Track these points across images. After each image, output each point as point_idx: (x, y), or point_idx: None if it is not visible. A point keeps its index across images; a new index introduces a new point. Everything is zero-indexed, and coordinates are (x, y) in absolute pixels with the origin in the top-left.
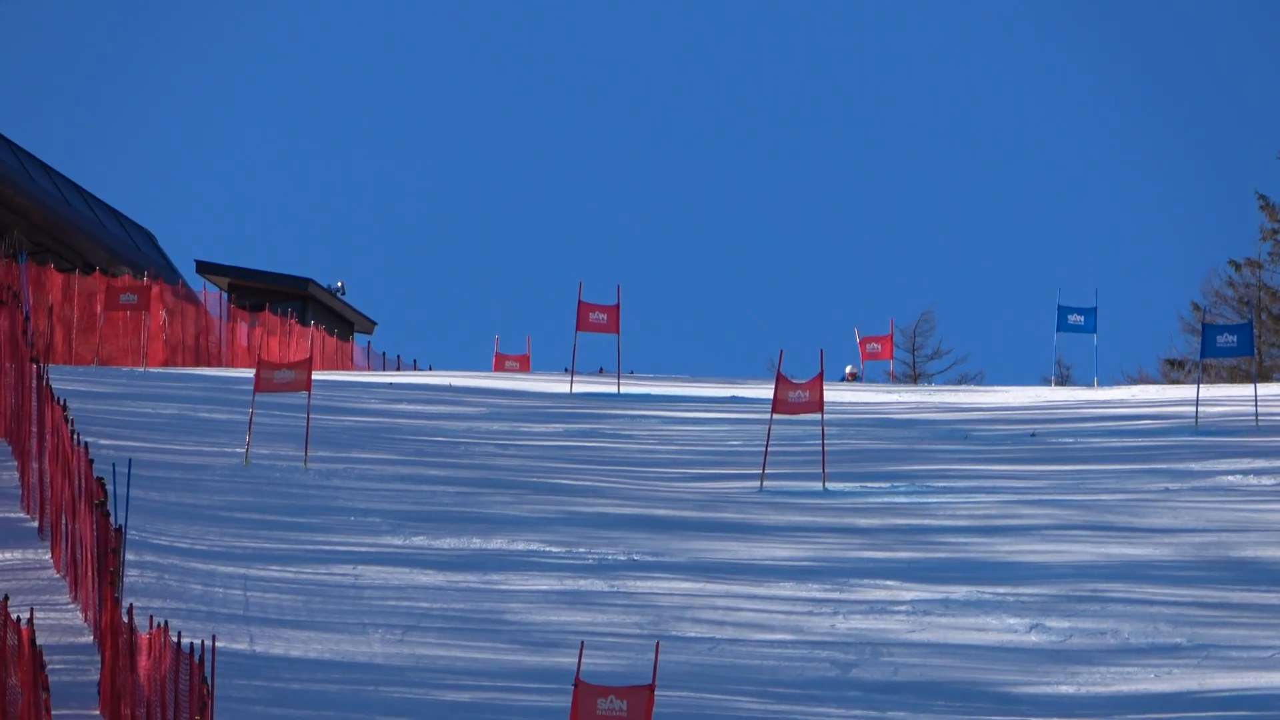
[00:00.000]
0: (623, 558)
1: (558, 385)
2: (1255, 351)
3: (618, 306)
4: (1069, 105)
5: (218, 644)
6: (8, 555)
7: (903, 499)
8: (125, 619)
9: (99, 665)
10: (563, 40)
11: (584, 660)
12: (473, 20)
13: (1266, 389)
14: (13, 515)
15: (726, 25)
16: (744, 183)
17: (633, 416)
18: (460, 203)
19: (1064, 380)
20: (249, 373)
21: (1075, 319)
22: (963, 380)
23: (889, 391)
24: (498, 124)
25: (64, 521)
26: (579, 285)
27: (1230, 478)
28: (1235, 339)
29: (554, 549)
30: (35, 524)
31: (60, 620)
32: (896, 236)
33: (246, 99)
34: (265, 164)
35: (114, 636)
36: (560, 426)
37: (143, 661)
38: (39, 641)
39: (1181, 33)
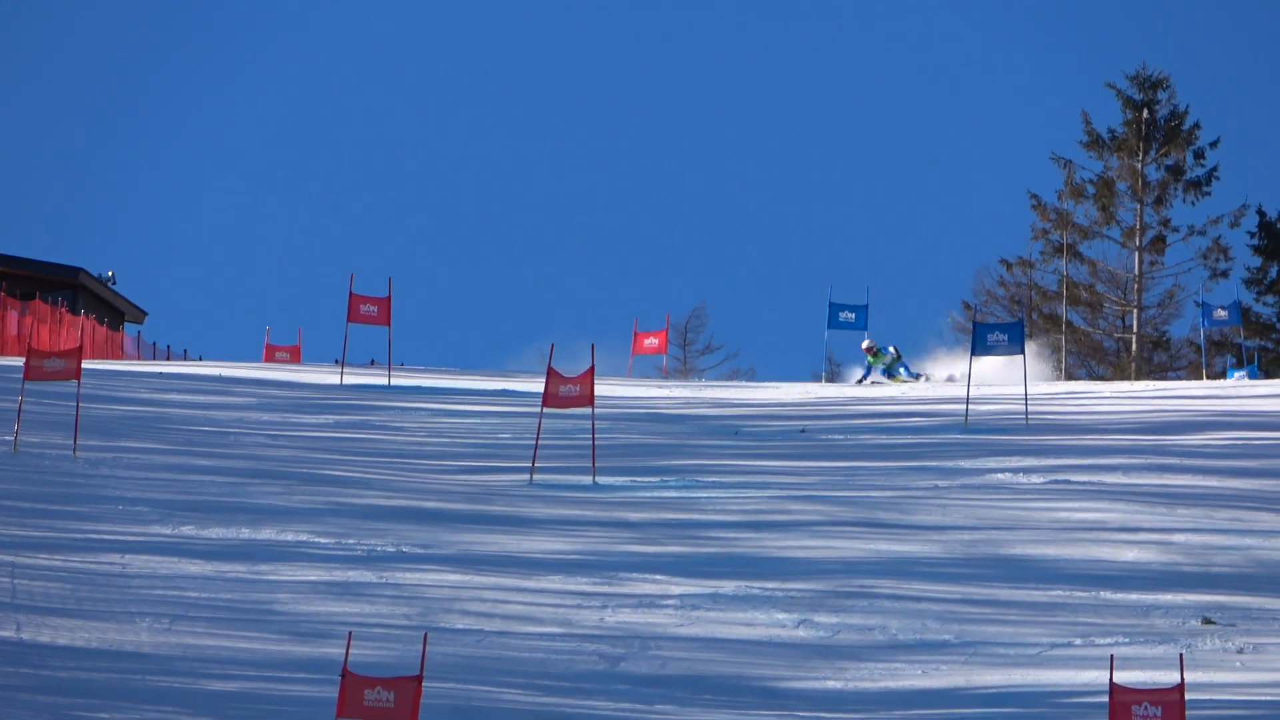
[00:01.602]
0: (391, 549)
1: (328, 377)
2: (1024, 350)
3: (389, 299)
4: (853, 100)
5: None
6: None
7: (672, 493)
8: None
9: None
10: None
11: (352, 651)
12: None
13: (1035, 388)
14: None
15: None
16: (518, 176)
17: (403, 409)
18: (231, 193)
19: (834, 377)
20: (18, 361)
21: (847, 316)
22: (734, 376)
23: (660, 386)
24: (276, 111)
25: None
26: (350, 277)
27: (1000, 476)
28: (1006, 337)
29: (323, 540)
30: None
31: None
32: (670, 231)
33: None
34: (34, 149)
35: None
36: (330, 418)
37: None
38: None
39: (953, 26)
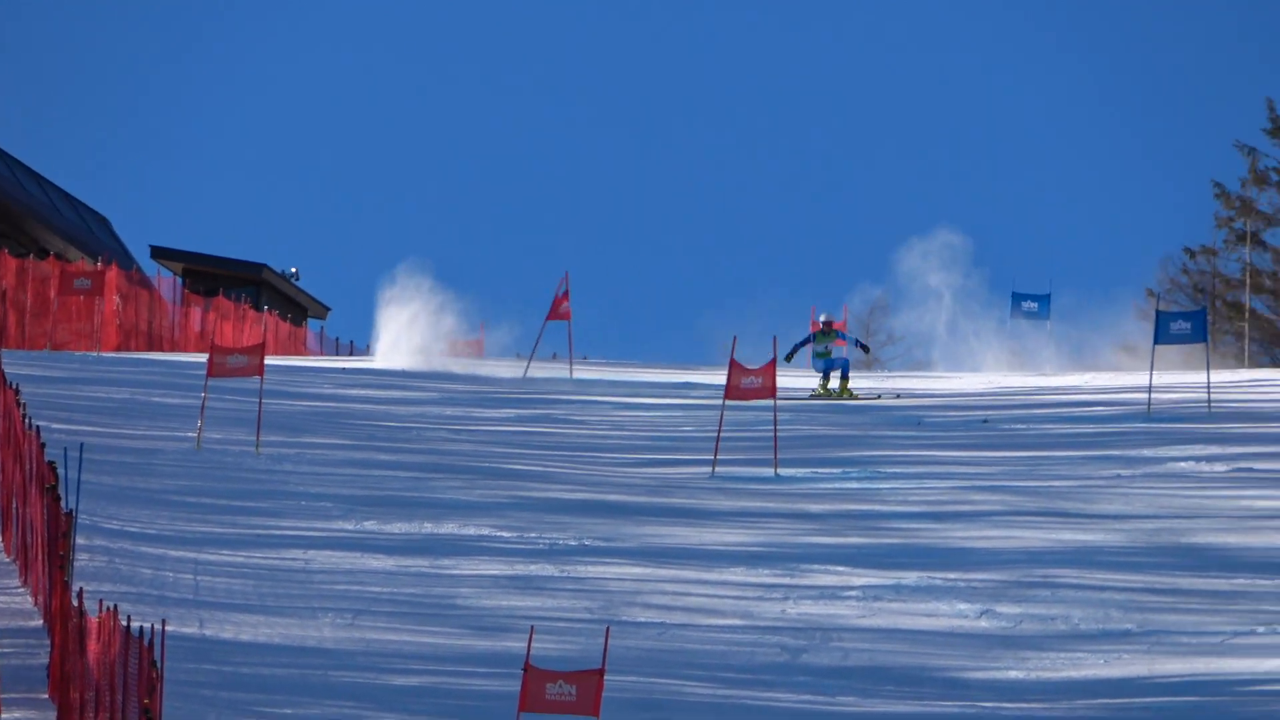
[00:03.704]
0: (573, 543)
1: (512, 370)
2: (1209, 338)
3: (567, 293)
4: (1030, 95)
5: (167, 628)
6: None
7: (854, 484)
8: (75, 603)
9: (48, 649)
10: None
11: (534, 645)
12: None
13: (1219, 376)
14: None
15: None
16: (694, 172)
17: (585, 402)
18: (413, 188)
19: (1018, 367)
20: (202, 358)
21: (1029, 306)
22: (916, 366)
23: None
24: (471, 114)
25: (14, 506)
26: (565, 274)
27: (1182, 464)
28: (1189, 326)
29: (505, 534)
30: None
31: (10, 604)
32: (853, 221)
33: (203, 85)
34: (222, 150)
35: (64, 620)
36: (513, 411)
37: (92, 645)
38: None
39: (1135, 16)
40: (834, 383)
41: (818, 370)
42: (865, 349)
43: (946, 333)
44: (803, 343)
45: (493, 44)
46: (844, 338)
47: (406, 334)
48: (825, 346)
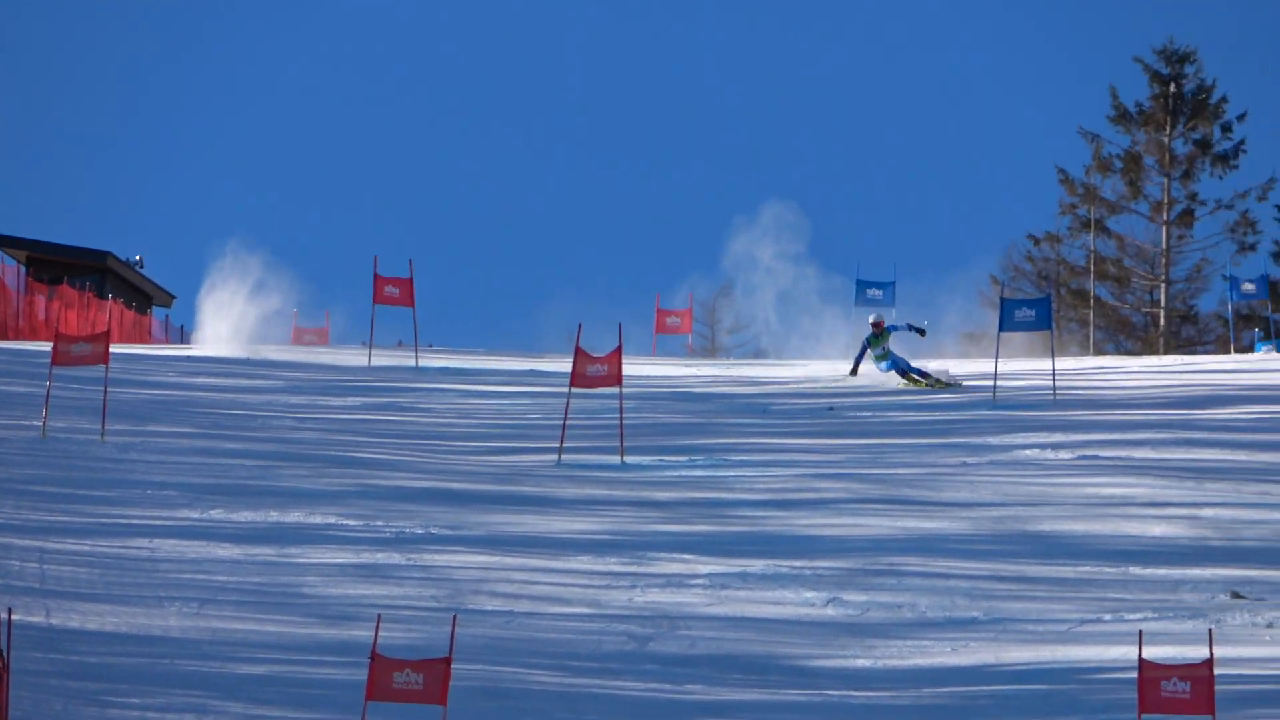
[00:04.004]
0: (420, 531)
1: (356, 359)
2: (1054, 325)
3: (411, 280)
4: (874, 78)
5: (13, 617)
6: None
7: (700, 472)
8: None
9: None
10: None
11: (380, 633)
12: None
13: (1064, 363)
14: None
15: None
16: (539, 155)
17: (431, 390)
18: (256, 178)
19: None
20: (47, 346)
21: (874, 293)
22: (760, 354)
23: (687, 365)
24: (305, 97)
25: None
26: (374, 259)
27: (1028, 452)
28: (1034, 313)
29: (351, 522)
30: None
31: None
32: (695, 209)
33: (42, 70)
34: (59, 134)
35: None
36: (358, 400)
37: None
38: None
39: (972, 3)
40: (899, 379)
41: (884, 370)
42: (921, 331)
43: (789, 320)
44: (861, 353)
45: (320, 19)
46: (893, 329)
47: (225, 318)
48: (883, 348)
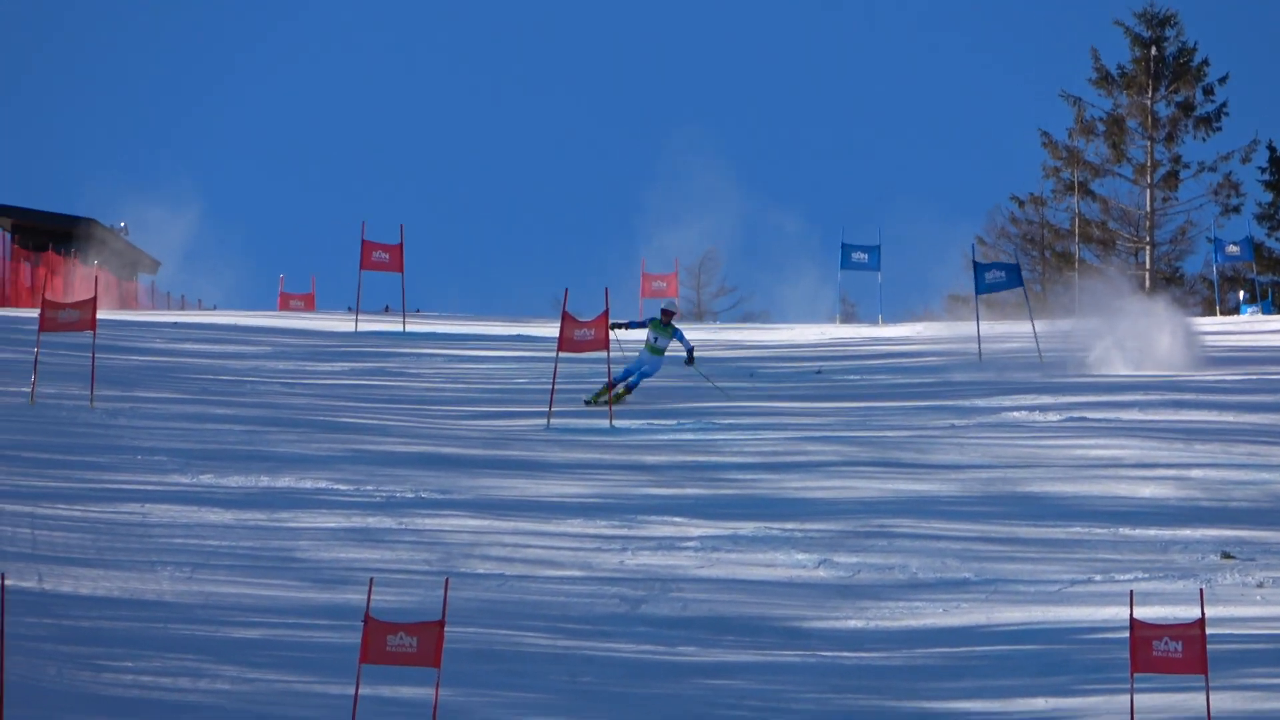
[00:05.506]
0: (411, 495)
1: (343, 324)
2: (1024, 285)
3: (400, 245)
4: (859, 41)
5: (6, 582)
6: None
7: (690, 436)
8: None
9: None
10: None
11: (374, 597)
12: None
13: (1048, 325)
14: None
15: None
16: (525, 121)
17: (419, 355)
18: (241, 143)
19: (849, 318)
20: (33, 312)
21: (859, 256)
22: (748, 318)
23: None
24: (291, 63)
25: None
26: (362, 225)
27: (1016, 414)
28: (1004, 274)
29: (342, 487)
30: None
31: None
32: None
33: (31, 35)
34: (49, 102)
35: None
36: (346, 365)
37: None
38: None
39: None
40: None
41: (649, 362)
42: (689, 359)
43: (776, 284)
44: (638, 326)
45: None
46: (678, 335)
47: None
48: (662, 342)
